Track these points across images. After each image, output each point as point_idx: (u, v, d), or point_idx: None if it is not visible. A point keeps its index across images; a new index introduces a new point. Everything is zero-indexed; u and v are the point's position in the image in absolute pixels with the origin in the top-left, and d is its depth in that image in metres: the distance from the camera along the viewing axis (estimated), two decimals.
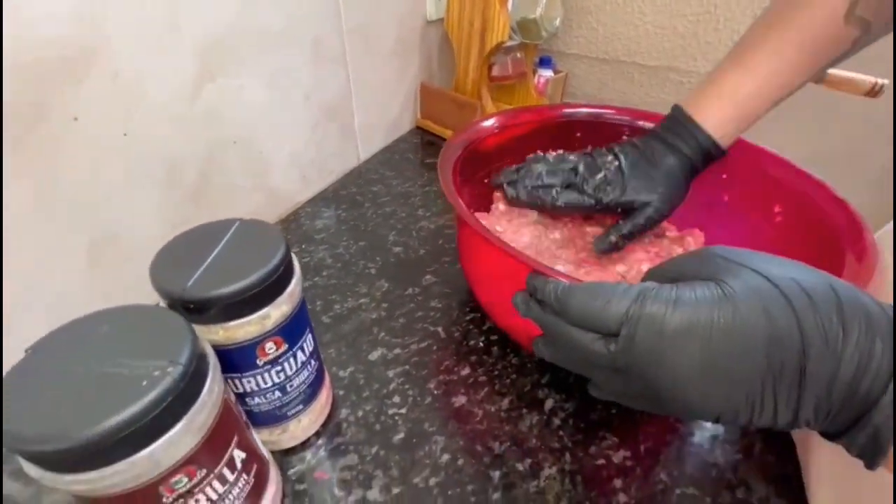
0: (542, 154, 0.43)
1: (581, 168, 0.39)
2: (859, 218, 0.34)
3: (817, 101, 0.55)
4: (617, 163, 0.39)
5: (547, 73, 0.81)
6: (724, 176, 0.45)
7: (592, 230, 0.46)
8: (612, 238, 0.39)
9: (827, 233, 0.36)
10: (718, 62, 0.37)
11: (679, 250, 0.44)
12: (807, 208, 0.39)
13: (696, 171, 0.38)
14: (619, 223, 0.39)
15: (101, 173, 0.36)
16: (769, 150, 0.43)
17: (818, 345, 0.17)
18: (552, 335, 0.24)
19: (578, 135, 0.50)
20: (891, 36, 0.32)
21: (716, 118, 0.36)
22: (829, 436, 0.19)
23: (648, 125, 0.48)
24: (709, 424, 0.35)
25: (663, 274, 0.23)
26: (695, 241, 0.46)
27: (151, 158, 0.40)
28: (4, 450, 0.31)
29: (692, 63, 0.75)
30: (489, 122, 0.46)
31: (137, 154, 0.38)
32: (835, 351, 0.17)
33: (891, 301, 0.18)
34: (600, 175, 0.39)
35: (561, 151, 0.43)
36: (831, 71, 0.47)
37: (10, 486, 0.30)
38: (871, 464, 0.18)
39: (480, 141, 0.45)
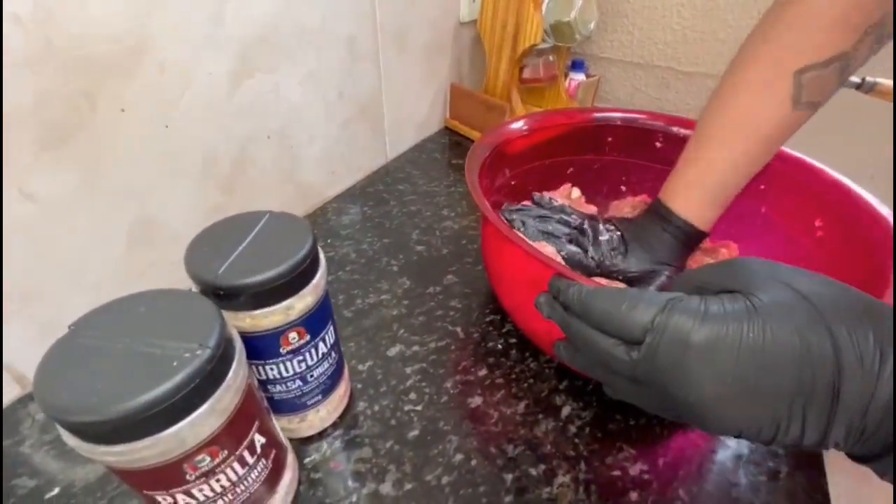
0: (547, 197, 0.44)
1: (587, 227, 0.40)
2: None
3: (868, 111, 0.52)
4: (619, 233, 0.40)
5: (579, 77, 0.80)
6: (762, 187, 0.43)
7: None
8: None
9: (871, 250, 0.34)
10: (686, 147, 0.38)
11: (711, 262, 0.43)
12: (850, 224, 0.37)
13: (689, 247, 0.39)
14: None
15: (142, 163, 0.38)
16: (809, 161, 0.41)
17: (853, 364, 0.16)
18: (573, 338, 0.24)
19: (610, 139, 0.50)
20: None
21: (690, 207, 0.37)
22: (859, 458, 0.18)
23: (683, 131, 0.47)
24: (732, 442, 0.34)
25: (691, 282, 0.23)
26: (729, 253, 0.44)
27: (189, 150, 0.41)
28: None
29: None
30: (518, 125, 0.46)
31: (177, 145, 0.40)
32: (871, 371, 0.16)
33: None
34: (605, 238, 0.40)
35: (560, 202, 0.45)
36: (880, 80, 0.45)
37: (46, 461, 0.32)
38: None
39: (509, 143, 0.45)
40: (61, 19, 0.30)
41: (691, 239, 0.38)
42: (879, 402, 0.16)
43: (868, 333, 0.17)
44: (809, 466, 0.32)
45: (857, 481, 0.29)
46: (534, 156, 0.47)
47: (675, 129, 0.47)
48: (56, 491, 0.30)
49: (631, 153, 0.50)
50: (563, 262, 0.39)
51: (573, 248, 0.40)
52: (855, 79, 0.49)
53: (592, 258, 0.39)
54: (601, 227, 0.41)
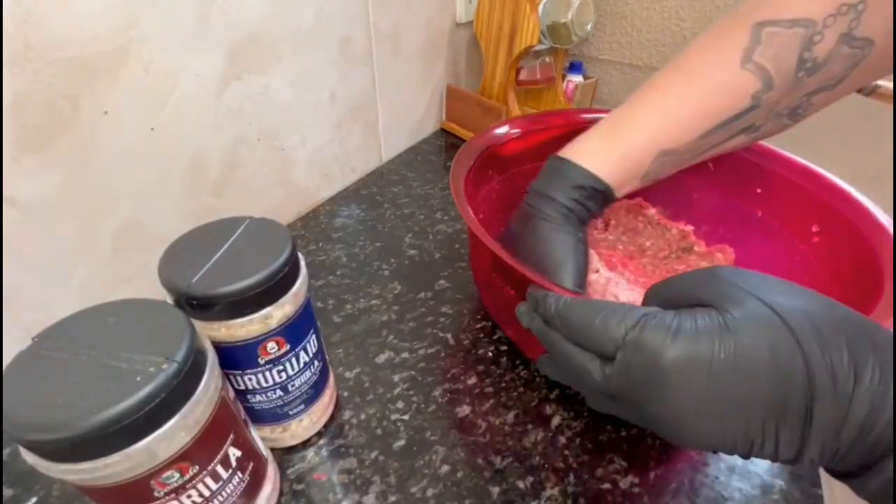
0: None
1: None
2: None
3: (873, 116, 0.52)
4: None
5: (576, 79, 0.79)
6: (759, 190, 0.43)
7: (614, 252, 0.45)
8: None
9: (866, 258, 0.33)
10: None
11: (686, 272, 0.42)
12: (847, 229, 0.36)
13: (581, 218, 0.33)
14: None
15: (127, 166, 0.37)
16: (806, 164, 0.40)
17: (826, 385, 0.16)
18: (551, 350, 0.24)
19: None
20: None
21: (586, 156, 0.32)
22: (836, 474, 0.18)
23: None
24: (725, 455, 0.33)
25: (665, 293, 0.22)
26: (724, 257, 0.43)
27: (177, 152, 0.41)
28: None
29: None
30: (503, 129, 0.45)
31: (164, 148, 0.39)
32: (845, 393, 0.16)
33: None
34: None
35: None
36: (880, 83, 0.44)
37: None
38: None
39: (500, 145, 0.44)
40: (41, 20, 0.29)
41: (589, 198, 0.32)
42: (852, 423, 0.16)
43: (842, 351, 0.16)
44: (805, 480, 0.32)
45: (856, 498, 0.28)
46: (527, 157, 0.46)
47: None
48: (33, 500, 0.30)
49: None
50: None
51: None
52: None
53: None
54: None
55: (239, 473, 0.24)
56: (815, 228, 0.40)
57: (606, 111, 0.49)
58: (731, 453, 0.18)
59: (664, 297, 0.22)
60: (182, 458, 0.20)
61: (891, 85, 0.42)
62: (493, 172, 0.44)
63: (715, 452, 0.19)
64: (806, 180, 0.40)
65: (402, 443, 0.33)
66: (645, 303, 0.23)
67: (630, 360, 0.19)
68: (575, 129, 0.48)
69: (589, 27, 0.68)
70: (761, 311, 0.17)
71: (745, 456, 0.18)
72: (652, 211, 0.48)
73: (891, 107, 0.43)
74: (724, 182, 0.44)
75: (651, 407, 0.19)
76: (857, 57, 0.27)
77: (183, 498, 0.21)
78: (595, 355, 0.21)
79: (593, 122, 0.36)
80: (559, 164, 0.33)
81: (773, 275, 0.20)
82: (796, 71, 0.27)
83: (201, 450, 0.21)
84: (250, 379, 0.26)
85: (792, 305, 0.17)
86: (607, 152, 0.32)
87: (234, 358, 0.25)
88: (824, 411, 0.16)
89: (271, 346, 0.25)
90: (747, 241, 0.43)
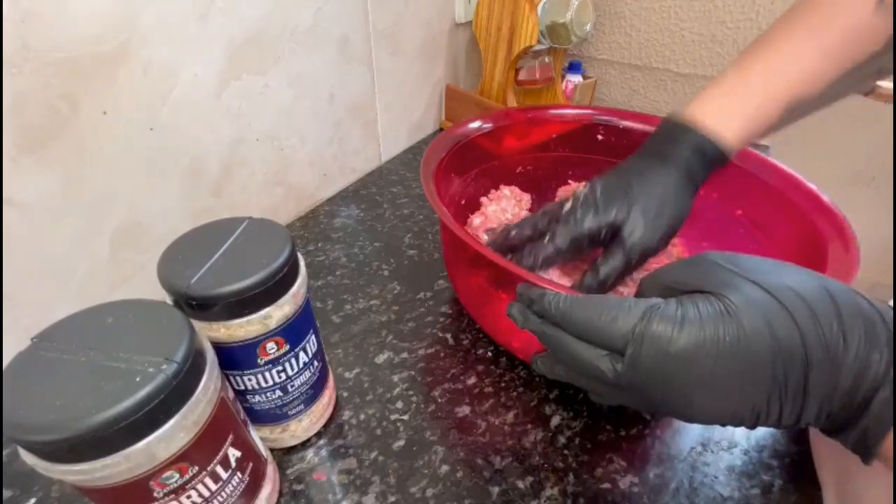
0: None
1: (563, 208, 0.32)
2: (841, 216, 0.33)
3: (873, 116, 0.52)
4: (587, 189, 0.32)
5: (575, 79, 0.79)
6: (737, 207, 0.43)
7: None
8: (590, 282, 0.30)
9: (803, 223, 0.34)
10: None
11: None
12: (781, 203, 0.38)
13: (695, 181, 0.31)
14: (596, 262, 0.31)
15: (126, 166, 0.37)
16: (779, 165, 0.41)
17: (820, 356, 0.17)
18: (554, 348, 0.24)
19: (600, 138, 0.49)
20: None
21: (715, 117, 0.30)
22: (827, 432, 0.20)
23: (623, 123, 0.47)
24: (725, 455, 0.33)
25: (658, 283, 0.23)
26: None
27: (176, 152, 0.41)
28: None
29: None
30: (476, 125, 0.45)
31: (162, 148, 0.39)
32: (835, 360, 0.17)
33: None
34: (569, 205, 0.32)
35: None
36: (880, 83, 0.44)
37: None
38: (864, 460, 0.19)
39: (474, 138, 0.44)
40: (39, 20, 0.29)
41: (705, 164, 0.30)
42: (843, 387, 0.17)
43: (833, 323, 0.17)
44: (803, 479, 0.32)
45: (853, 496, 0.28)
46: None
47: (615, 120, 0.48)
48: (32, 501, 0.29)
49: (576, 148, 0.49)
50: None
51: (563, 231, 0.31)
52: None
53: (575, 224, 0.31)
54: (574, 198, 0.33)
55: (238, 474, 0.24)
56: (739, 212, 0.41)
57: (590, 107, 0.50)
58: (737, 426, 0.20)
59: (660, 286, 0.22)
60: (181, 459, 0.20)
61: (890, 85, 0.42)
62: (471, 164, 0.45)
63: (723, 426, 0.21)
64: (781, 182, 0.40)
65: (401, 443, 0.33)
66: (640, 292, 0.24)
67: (640, 352, 0.20)
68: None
69: (588, 27, 0.68)
70: (758, 294, 0.19)
71: (752, 427, 0.19)
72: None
73: (891, 107, 0.43)
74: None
75: (662, 393, 0.20)
76: None
77: (182, 498, 0.21)
78: (603, 351, 0.21)
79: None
80: (678, 127, 0.30)
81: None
82: None
83: (201, 450, 0.21)
84: (250, 379, 0.26)
85: (784, 285, 0.19)
86: (736, 109, 0.30)
87: (234, 358, 0.25)
88: (820, 378, 0.17)
89: (271, 346, 0.25)
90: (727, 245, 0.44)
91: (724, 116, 0.30)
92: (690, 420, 0.20)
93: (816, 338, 0.17)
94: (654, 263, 0.42)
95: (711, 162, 0.30)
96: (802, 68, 0.29)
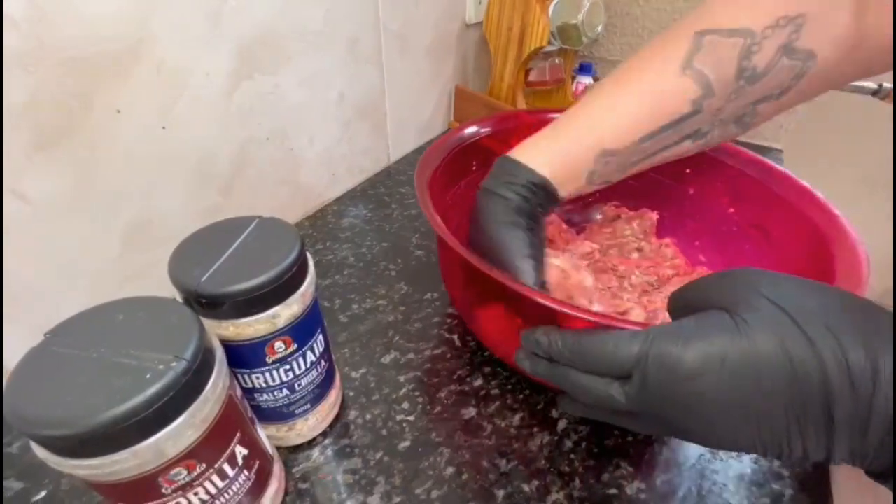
0: None
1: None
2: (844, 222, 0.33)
3: (874, 117, 0.51)
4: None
5: (586, 80, 0.79)
6: (688, 171, 0.43)
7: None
8: None
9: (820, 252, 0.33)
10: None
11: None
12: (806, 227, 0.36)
13: (532, 215, 0.32)
14: None
15: (138, 164, 0.37)
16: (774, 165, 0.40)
17: (844, 387, 0.16)
18: (566, 386, 0.24)
19: None
20: None
21: (538, 157, 0.32)
22: (873, 476, 0.18)
23: None
24: (734, 462, 0.33)
25: (685, 300, 0.22)
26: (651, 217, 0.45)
27: (187, 151, 0.41)
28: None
29: None
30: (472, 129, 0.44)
31: (174, 147, 0.40)
32: (866, 396, 0.16)
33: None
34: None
35: None
36: (886, 84, 0.44)
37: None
38: None
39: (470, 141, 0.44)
40: (55, 19, 0.30)
41: (536, 195, 0.31)
42: (876, 423, 0.16)
43: (859, 350, 0.16)
44: (815, 489, 0.31)
45: None
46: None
47: None
48: (43, 494, 0.30)
49: None
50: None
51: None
52: (871, 85, 0.47)
53: None
54: None
55: (245, 472, 0.24)
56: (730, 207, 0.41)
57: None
58: (763, 456, 0.18)
59: (684, 303, 0.22)
60: (189, 456, 0.20)
61: (890, 85, 0.41)
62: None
63: (747, 454, 0.20)
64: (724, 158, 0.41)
65: (407, 444, 0.33)
66: (669, 308, 0.24)
67: (647, 372, 0.19)
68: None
69: (599, 28, 0.67)
70: (772, 312, 0.17)
71: (778, 458, 0.18)
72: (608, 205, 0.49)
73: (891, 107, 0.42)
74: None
75: (675, 414, 0.19)
76: (798, 69, 0.27)
77: (190, 495, 0.21)
78: (612, 379, 0.21)
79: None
80: (506, 163, 0.33)
81: None
82: (736, 79, 0.28)
83: (208, 448, 0.21)
84: (257, 378, 0.26)
85: (803, 305, 0.17)
86: (550, 151, 0.32)
87: (242, 356, 0.25)
88: (845, 413, 0.16)
89: (279, 345, 0.25)
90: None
91: (538, 155, 0.32)
92: (707, 445, 0.20)
93: (837, 366, 0.16)
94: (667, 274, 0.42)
95: (537, 192, 0.32)
96: (614, 123, 0.31)
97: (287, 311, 0.25)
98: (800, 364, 0.16)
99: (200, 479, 0.21)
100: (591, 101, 0.32)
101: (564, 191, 0.33)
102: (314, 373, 0.29)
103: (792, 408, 0.17)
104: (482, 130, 0.44)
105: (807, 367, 0.16)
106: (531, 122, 0.45)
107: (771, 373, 0.17)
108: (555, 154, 0.32)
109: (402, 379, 0.37)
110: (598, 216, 0.49)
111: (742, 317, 0.18)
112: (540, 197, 0.32)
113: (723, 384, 0.17)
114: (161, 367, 0.18)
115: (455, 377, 0.38)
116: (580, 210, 0.50)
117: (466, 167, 0.44)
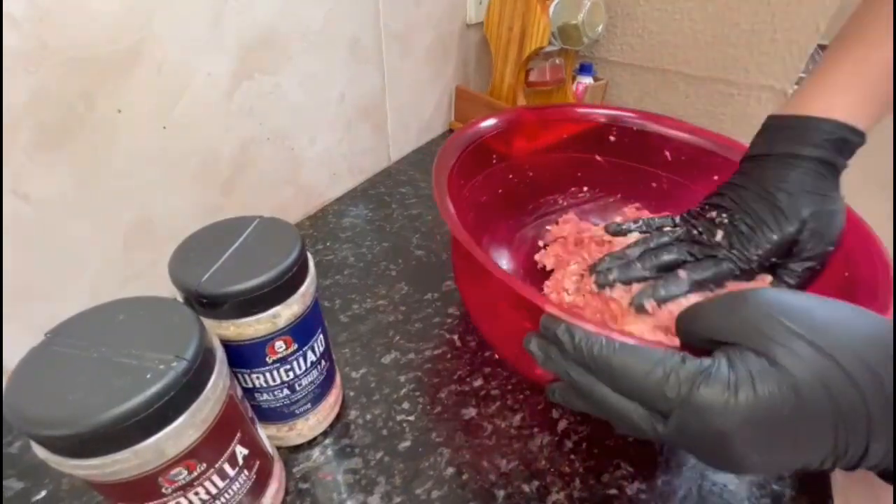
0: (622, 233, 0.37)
1: (693, 232, 0.33)
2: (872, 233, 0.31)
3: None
4: (726, 212, 0.31)
5: (586, 80, 0.79)
6: (716, 177, 0.42)
7: None
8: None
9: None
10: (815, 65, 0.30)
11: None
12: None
13: (836, 170, 0.29)
14: (780, 273, 0.30)
15: (139, 164, 0.37)
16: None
17: (884, 424, 0.17)
18: (581, 392, 0.22)
19: (612, 139, 0.48)
20: None
21: (841, 103, 0.28)
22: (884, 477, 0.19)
23: (671, 133, 0.45)
24: None
25: (700, 325, 0.21)
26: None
27: (188, 151, 0.41)
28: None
29: (743, 75, 0.71)
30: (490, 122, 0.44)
31: (175, 146, 0.40)
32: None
33: None
34: (720, 233, 0.31)
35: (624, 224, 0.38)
36: None
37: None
38: None
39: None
40: (57, 19, 0.30)
41: (844, 150, 0.28)
42: None
43: (891, 376, 0.17)
44: (815, 490, 0.31)
45: None
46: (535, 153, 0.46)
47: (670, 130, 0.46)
48: (43, 494, 0.30)
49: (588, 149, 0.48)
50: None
51: (703, 266, 0.31)
52: None
53: (735, 257, 0.31)
54: (701, 219, 0.33)
55: (245, 471, 0.24)
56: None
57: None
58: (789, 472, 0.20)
59: (699, 329, 0.21)
60: (190, 456, 0.20)
61: None
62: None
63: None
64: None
65: (407, 444, 0.33)
66: (678, 331, 0.22)
67: (689, 421, 0.19)
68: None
69: (599, 29, 0.67)
70: (812, 357, 0.17)
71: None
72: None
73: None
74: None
75: (711, 458, 0.20)
76: None
77: (190, 495, 0.21)
78: (640, 405, 0.20)
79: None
80: (796, 122, 0.29)
81: None
82: None
83: (209, 448, 0.21)
84: (258, 378, 0.26)
85: (840, 342, 0.17)
86: (862, 94, 0.28)
87: (242, 356, 0.25)
88: (880, 445, 0.17)
89: (279, 345, 0.25)
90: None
91: (849, 103, 0.28)
92: (741, 473, 0.21)
93: (881, 404, 0.16)
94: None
95: (848, 146, 0.29)
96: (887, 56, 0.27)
97: (288, 311, 0.25)
98: (848, 410, 0.17)
99: (201, 479, 0.21)
100: (877, 29, 0.28)
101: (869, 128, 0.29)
102: (315, 373, 0.29)
103: (835, 449, 0.17)
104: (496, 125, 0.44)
105: (855, 413, 0.17)
106: (532, 119, 0.45)
107: (819, 422, 0.17)
108: (865, 92, 0.28)
109: (402, 379, 0.37)
110: (619, 218, 0.48)
111: (782, 363, 0.17)
112: (847, 154, 0.29)
113: (771, 434, 0.18)
114: (162, 366, 0.18)
115: (455, 377, 0.38)
116: (599, 211, 0.49)
117: (486, 162, 0.44)
